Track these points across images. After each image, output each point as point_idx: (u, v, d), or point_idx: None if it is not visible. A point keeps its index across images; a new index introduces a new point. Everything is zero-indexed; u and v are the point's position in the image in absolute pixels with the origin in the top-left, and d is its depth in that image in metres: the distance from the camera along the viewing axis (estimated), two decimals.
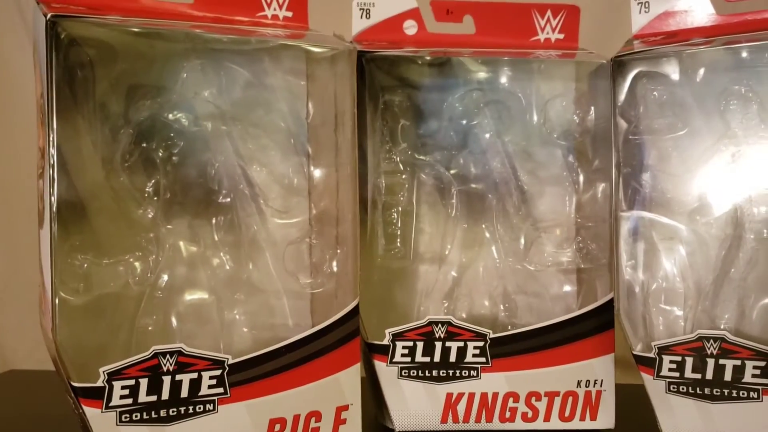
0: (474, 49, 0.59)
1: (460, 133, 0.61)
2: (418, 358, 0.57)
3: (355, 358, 0.53)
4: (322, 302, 0.55)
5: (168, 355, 0.47)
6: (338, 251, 0.55)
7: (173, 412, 0.47)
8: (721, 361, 0.51)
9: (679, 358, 0.52)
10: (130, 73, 0.50)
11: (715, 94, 0.54)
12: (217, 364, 0.49)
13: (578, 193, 0.61)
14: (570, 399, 0.57)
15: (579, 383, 0.57)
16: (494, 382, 0.57)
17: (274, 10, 0.54)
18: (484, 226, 0.61)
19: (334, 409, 0.53)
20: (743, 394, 0.51)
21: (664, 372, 0.53)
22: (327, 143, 0.55)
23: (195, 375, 0.48)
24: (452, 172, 0.61)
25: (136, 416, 0.46)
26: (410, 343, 0.56)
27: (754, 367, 0.51)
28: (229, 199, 0.53)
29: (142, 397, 0.46)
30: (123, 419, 0.46)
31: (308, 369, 0.51)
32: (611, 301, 0.56)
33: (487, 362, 0.57)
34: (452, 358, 0.57)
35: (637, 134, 0.55)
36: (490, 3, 0.60)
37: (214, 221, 0.53)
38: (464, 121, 0.61)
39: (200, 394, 0.48)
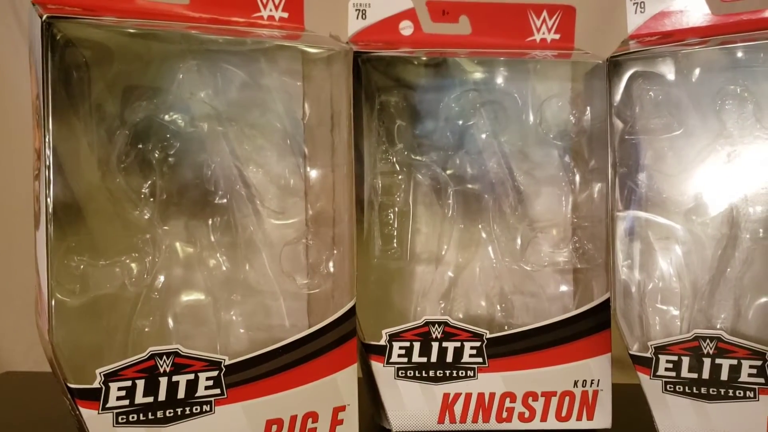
0: (470, 50, 0.59)
1: (456, 133, 0.61)
2: (415, 358, 0.57)
3: (351, 359, 0.53)
4: (318, 303, 0.55)
5: (165, 357, 0.47)
6: (335, 252, 0.55)
7: (170, 413, 0.47)
8: (718, 361, 0.51)
9: (675, 358, 0.52)
10: (125, 74, 0.50)
11: (710, 94, 0.55)
12: (214, 365, 0.49)
13: (574, 193, 0.61)
14: (567, 399, 0.57)
15: (576, 383, 0.57)
16: (491, 382, 0.57)
17: (270, 10, 0.54)
18: (480, 226, 0.61)
19: (331, 409, 0.53)
20: (739, 393, 0.51)
21: (661, 372, 0.53)
22: (323, 144, 0.55)
23: (192, 376, 0.48)
24: (449, 172, 0.61)
25: (133, 417, 0.46)
26: (407, 344, 0.56)
27: (750, 367, 0.51)
28: (225, 200, 0.53)
29: (139, 399, 0.46)
30: (120, 420, 0.46)
31: (305, 370, 0.51)
32: (608, 301, 0.56)
33: (483, 362, 0.57)
34: (449, 358, 0.57)
35: (633, 134, 0.55)
36: (486, 3, 0.60)
37: (210, 222, 0.53)
38: (460, 122, 0.61)
39: (197, 395, 0.48)
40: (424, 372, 0.57)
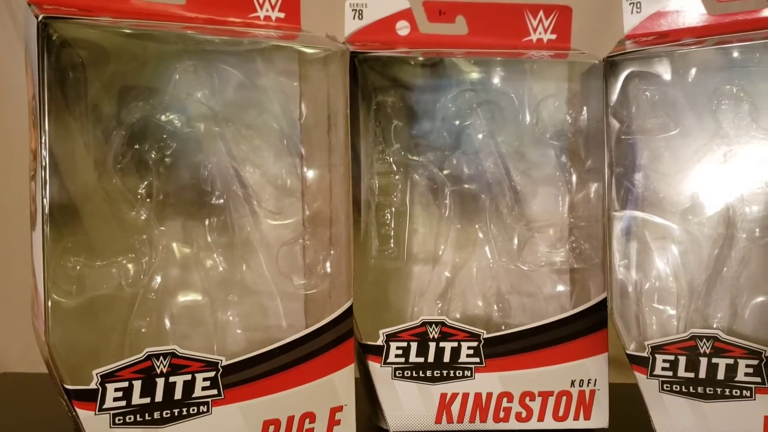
0: (466, 50, 0.59)
1: (453, 133, 0.61)
2: (412, 358, 0.57)
3: (349, 359, 0.53)
4: (315, 303, 0.55)
5: (161, 357, 0.47)
6: (332, 252, 0.55)
7: (167, 414, 0.47)
8: (714, 360, 0.52)
9: (672, 358, 0.52)
10: (122, 75, 0.50)
11: (706, 93, 0.55)
12: (211, 365, 0.48)
13: (571, 193, 0.61)
14: (564, 398, 0.57)
15: (573, 383, 0.57)
16: (488, 382, 0.57)
17: (267, 11, 0.54)
18: (477, 226, 0.61)
19: (328, 410, 0.53)
20: (736, 392, 0.51)
21: (658, 371, 0.53)
22: (320, 144, 0.55)
23: (189, 377, 0.48)
24: (445, 172, 0.61)
25: (130, 418, 0.46)
26: (404, 344, 0.56)
27: (747, 366, 0.51)
28: (222, 201, 0.53)
29: (136, 399, 0.46)
30: (116, 421, 0.46)
31: (302, 370, 0.51)
32: (604, 300, 0.56)
33: (480, 362, 0.57)
34: (446, 358, 0.57)
35: (630, 134, 0.55)
36: (483, 3, 0.60)
37: (207, 223, 0.53)
38: (457, 122, 0.61)
39: (194, 395, 0.48)
40: (421, 372, 0.57)
